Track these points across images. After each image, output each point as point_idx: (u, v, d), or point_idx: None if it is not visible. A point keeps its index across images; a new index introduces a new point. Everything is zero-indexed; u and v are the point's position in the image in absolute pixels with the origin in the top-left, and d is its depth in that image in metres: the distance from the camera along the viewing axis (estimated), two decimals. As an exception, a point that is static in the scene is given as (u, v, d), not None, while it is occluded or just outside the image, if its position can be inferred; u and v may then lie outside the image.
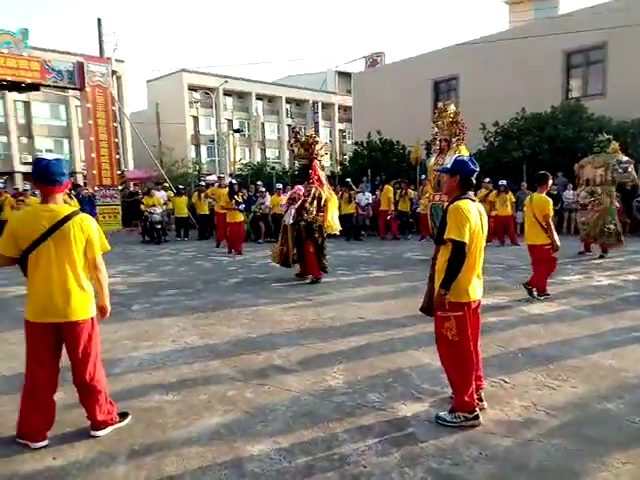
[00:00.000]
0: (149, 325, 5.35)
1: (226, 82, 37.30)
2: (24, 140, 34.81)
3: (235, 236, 11.07)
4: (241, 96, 44.70)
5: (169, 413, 3.25)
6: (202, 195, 13.83)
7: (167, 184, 17.01)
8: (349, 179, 14.19)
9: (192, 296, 6.74)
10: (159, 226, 13.04)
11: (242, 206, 11.35)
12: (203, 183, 16.09)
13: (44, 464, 2.66)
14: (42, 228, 2.70)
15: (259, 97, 45.47)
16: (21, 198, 11.64)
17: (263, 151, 45.67)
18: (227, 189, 11.47)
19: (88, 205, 13.70)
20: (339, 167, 22.06)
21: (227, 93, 42.10)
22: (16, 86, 15.64)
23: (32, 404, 2.83)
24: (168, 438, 2.93)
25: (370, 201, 14.12)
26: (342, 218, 9.16)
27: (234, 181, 12.16)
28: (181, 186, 15.07)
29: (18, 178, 32.35)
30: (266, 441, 2.87)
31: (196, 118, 42.09)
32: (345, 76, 44.23)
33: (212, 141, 37.01)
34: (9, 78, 14.62)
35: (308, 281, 7.57)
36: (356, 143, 20.24)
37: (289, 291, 7.03)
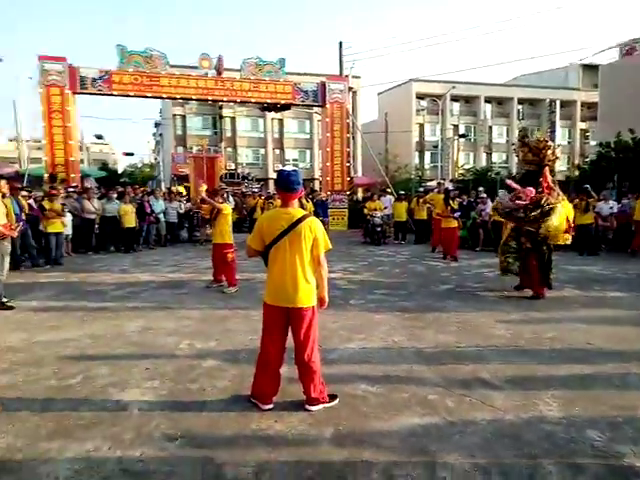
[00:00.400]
0: (363, 320, 5.76)
1: (453, 88, 36.89)
2: (277, 151, 40.99)
3: (449, 241, 10.96)
4: (468, 100, 43.63)
5: (372, 404, 3.49)
6: (420, 200, 14.06)
7: (389, 189, 17.81)
8: (587, 185, 12.45)
9: (404, 297, 6.97)
10: (379, 229, 13.87)
11: (457, 213, 11.14)
12: (422, 189, 16.31)
13: (267, 424, 3.18)
14: (281, 227, 3.24)
15: (488, 100, 43.64)
16: (271, 200, 13.77)
17: (489, 155, 43.67)
18: (443, 195, 11.45)
19: (321, 208, 15.32)
20: (577, 171, 19.53)
21: (454, 98, 41.61)
22: (273, 107, 18.64)
23: (263, 373, 3.41)
24: (369, 426, 3.16)
25: (615, 210, 12.14)
26: (577, 229, 8.19)
27: (450, 187, 12.01)
28: (402, 192, 15.57)
29: (271, 184, 38.18)
30: (462, 452, 2.84)
31: (422, 125, 42.81)
32: (591, 69, 38.89)
33: (436, 147, 37.12)
34: (268, 100, 17.63)
35: (528, 296, 7.00)
36: (600, 144, 17.60)
37: (504, 304, 6.63)
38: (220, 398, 3.56)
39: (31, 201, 9.62)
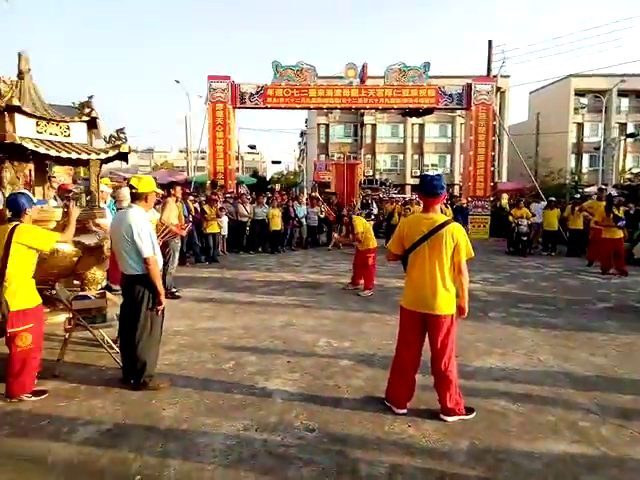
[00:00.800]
0: (504, 334, 5.45)
1: (622, 82, 32.59)
2: (415, 157, 40.54)
3: (608, 254, 9.73)
4: (640, 95, 38.19)
5: (513, 422, 3.30)
6: (576, 208, 12.71)
7: (540, 195, 16.42)
8: None
9: (552, 314, 6.41)
10: (525, 238, 12.87)
11: (622, 222, 9.83)
12: (578, 195, 14.71)
13: (401, 428, 3.20)
14: (422, 232, 3.24)
15: (667, 93, 37.66)
16: (408, 206, 13.70)
17: (666, 158, 37.68)
18: (605, 202, 10.18)
19: (460, 214, 14.76)
20: None
21: (622, 93, 36.74)
22: (415, 112, 18.48)
23: (398, 377, 3.45)
24: (508, 445, 3.00)
25: None
26: None
27: (614, 193, 10.64)
28: (552, 198, 14.21)
29: (407, 189, 37.90)
30: (618, 489, 2.56)
31: (580, 125, 38.67)
32: None
33: (597, 149, 33.12)
34: (411, 106, 17.52)
35: None
36: None
37: (680, 331, 5.71)
38: (355, 397, 3.69)
39: (197, 205, 10.96)
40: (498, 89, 19.39)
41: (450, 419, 3.29)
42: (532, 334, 5.43)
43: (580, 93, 37.45)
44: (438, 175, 3.39)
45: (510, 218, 13.50)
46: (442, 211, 9.84)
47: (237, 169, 22.20)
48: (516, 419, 3.35)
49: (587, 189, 26.06)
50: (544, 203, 14.01)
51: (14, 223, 3.48)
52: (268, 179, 49.96)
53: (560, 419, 3.35)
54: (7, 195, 4.41)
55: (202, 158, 23.75)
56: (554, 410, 3.49)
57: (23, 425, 3.15)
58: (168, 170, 36.38)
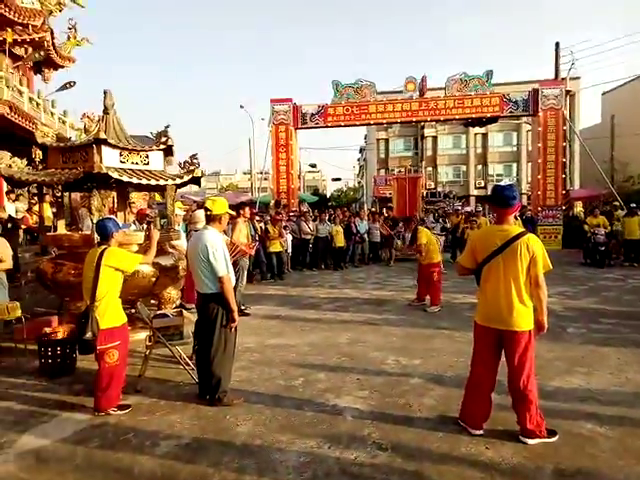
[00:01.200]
0: (585, 351, 5.11)
1: None
2: (479, 167, 39.38)
3: None
4: None
5: (602, 447, 3.08)
6: (662, 215, 11.77)
7: (618, 202, 15.38)
8: None
9: (639, 329, 5.94)
10: (603, 248, 12.07)
11: None
12: (663, 201, 13.61)
13: (478, 449, 3.08)
14: (495, 245, 3.14)
15: None
16: (474, 218, 13.30)
17: None
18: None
19: (529, 225, 14.10)
20: None
21: None
22: (478, 121, 18.04)
23: (473, 395, 3.32)
24: (598, 471, 2.80)
25: None
26: None
27: None
28: (633, 204, 13.23)
29: (472, 200, 36.79)
30: None
31: (662, 125, 35.85)
32: None
33: (682, 150, 30.55)
34: (473, 115, 17.13)
35: None
36: None
37: None
38: (427, 416, 3.60)
39: (262, 224, 11.29)
40: (567, 92, 18.48)
41: (531, 442, 3.12)
42: (617, 351, 5.06)
43: (659, 91, 34.85)
44: (510, 185, 3.28)
45: (586, 227, 12.75)
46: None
47: (299, 188, 22.64)
48: (605, 443, 3.13)
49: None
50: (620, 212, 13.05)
51: (103, 247, 3.77)
52: (328, 196, 50.47)
53: (656, 445, 3.09)
54: (96, 221, 4.79)
55: (265, 179, 24.45)
56: (648, 435, 3.22)
57: (110, 437, 3.35)
58: (234, 192, 37.80)
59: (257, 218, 11.25)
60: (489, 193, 3.43)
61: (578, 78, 28.98)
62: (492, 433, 3.27)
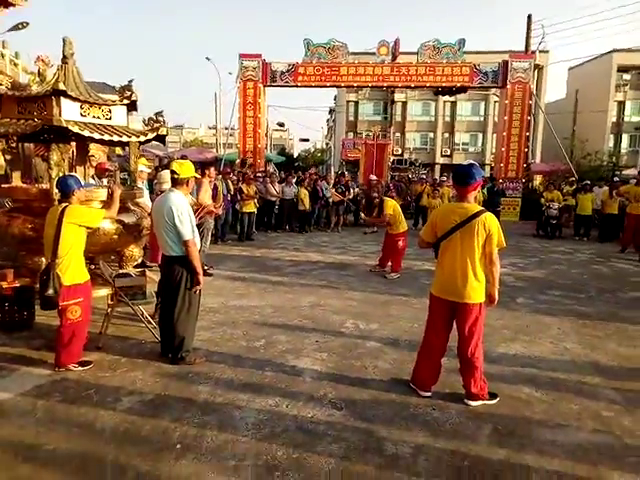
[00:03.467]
0: (530, 320, 5.47)
1: (670, 57, 30.96)
2: (446, 135, 39.72)
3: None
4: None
5: (536, 409, 3.38)
6: (614, 192, 12.36)
7: (574, 178, 15.97)
8: None
9: (581, 302, 6.37)
10: (554, 221, 12.79)
11: None
12: (617, 178, 14.26)
13: (425, 410, 3.32)
14: (454, 222, 3.29)
15: None
16: (437, 187, 13.57)
17: None
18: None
19: (497, 196, 14.28)
20: None
21: (669, 70, 34.87)
22: (449, 90, 18.08)
23: (424, 361, 3.55)
24: (531, 431, 3.09)
25: None
26: None
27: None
28: (587, 182, 13.79)
29: (437, 169, 37.31)
30: (639, 477, 2.63)
31: (622, 103, 36.98)
32: None
33: (638, 129, 31.80)
34: (444, 84, 17.14)
35: None
36: None
37: None
38: (381, 378, 3.82)
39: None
40: (536, 66, 18.69)
41: (474, 404, 3.39)
42: (560, 322, 5.44)
43: (623, 69, 35.74)
44: (471, 164, 3.40)
45: (542, 201, 13.29)
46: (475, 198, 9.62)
47: (265, 146, 22.29)
48: (539, 406, 3.43)
49: (625, 171, 25.16)
50: (606, 188, 13.37)
51: (64, 204, 3.69)
52: (295, 156, 49.91)
53: (584, 408, 3.41)
54: (55, 176, 4.65)
55: (231, 135, 23.87)
56: (578, 399, 3.55)
57: (72, 393, 3.41)
58: (198, 148, 36.74)
59: (233, 178, 11.16)
60: (454, 163, 3.54)
61: (547, 52, 29.29)
62: (440, 395, 3.52)
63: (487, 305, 3.42)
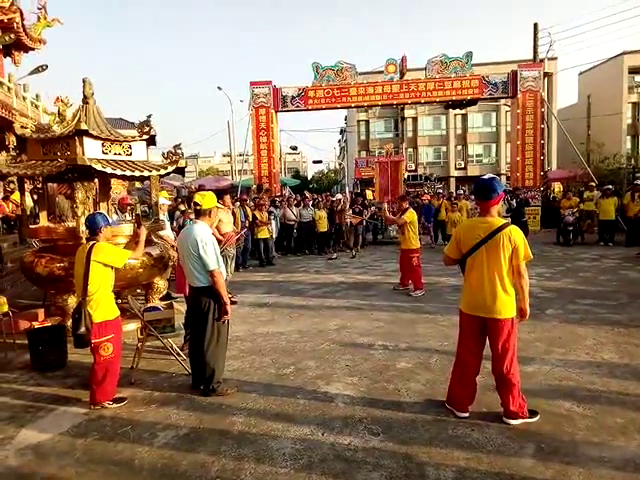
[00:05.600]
0: (563, 332, 5.34)
1: (681, 55, 30.57)
2: (459, 148, 39.68)
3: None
4: None
5: (579, 425, 3.27)
6: (636, 195, 12.12)
7: (593, 183, 15.72)
8: None
9: (614, 309, 6.20)
10: (571, 228, 12.65)
11: None
12: (638, 182, 13.99)
13: (464, 431, 3.24)
14: (478, 237, 3.26)
15: None
16: (455, 202, 13.49)
17: None
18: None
19: (521, 207, 13.93)
20: None
21: (682, 68, 34.37)
22: (459, 103, 18.13)
23: (459, 380, 3.48)
24: (576, 448, 2.98)
25: None
26: None
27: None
28: (609, 186, 13.56)
29: (452, 182, 37.17)
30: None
31: (636, 104, 36.56)
32: None
33: (655, 129, 31.30)
34: (454, 97, 17.21)
35: None
36: None
37: None
38: (415, 400, 3.75)
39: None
40: (546, 74, 18.63)
41: (514, 422, 3.30)
42: (594, 332, 5.30)
43: (635, 71, 35.38)
44: (492, 177, 3.38)
45: (561, 210, 13.15)
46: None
47: (279, 170, 22.53)
48: (582, 422, 3.32)
49: (646, 173, 24.68)
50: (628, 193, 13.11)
51: (92, 242, 3.78)
52: (309, 178, 50.30)
53: (630, 421, 3.29)
54: (80, 214, 4.76)
55: (245, 161, 24.23)
56: (622, 412, 3.43)
57: (108, 431, 3.42)
58: (214, 176, 37.36)
59: (251, 204, 11.32)
60: (471, 179, 3.53)
61: (556, 59, 29.19)
62: (477, 415, 3.43)
63: (519, 320, 3.35)
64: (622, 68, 35.06)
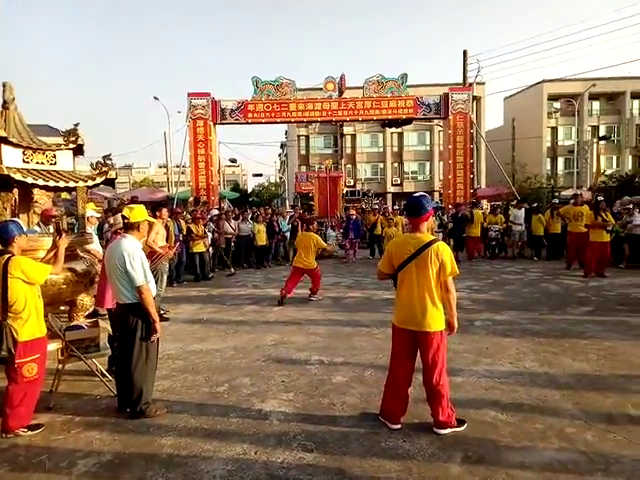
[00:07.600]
0: (490, 343, 5.59)
1: (594, 86, 33.51)
2: (395, 165, 41.04)
3: (597, 257, 10.05)
4: (611, 97, 39.41)
5: (502, 432, 3.42)
6: (555, 213, 13.06)
7: (517, 201, 16.78)
8: None
9: (535, 320, 6.59)
10: (494, 242, 13.63)
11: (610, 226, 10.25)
12: (556, 200, 15.11)
13: (396, 443, 3.29)
14: (409, 252, 3.36)
15: (635, 95, 38.87)
16: (391, 217, 13.85)
17: (637, 158, 38.79)
18: (586, 206, 10.65)
19: (460, 223, 14.50)
20: None
21: (593, 97, 37.77)
22: (395, 122, 18.82)
23: (392, 393, 3.54)
24: (500, 455, 3.11)
25: None
26: None
27: (600, 197, 11.05)
28: (535, 204, 14.54)
29: (389, 198, 38.28)
30: (605, 493, 2.69)
31: (554, 129, 39.74)
32: None
33: (571, 152, 34.07)
34: (390, 117, 17.86)
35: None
36: None
37: (657, 332, 5.94)
38: (350, 414, 3.77)
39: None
40: (474, 97, 19.80)
41: (443, 432, 3.39)
42: (517, 342, 5.59)
43: (553, 98, 38.43)
44: (422, 195, 3.51)
45: (485, 224, 13.85)
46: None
47: (219, 183, 22.21)
48: (506, 429, 3.47)
49: (564, 192, 26.67)
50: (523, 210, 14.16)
51: (6, 256, 3.48)
52: (249, 192, 49.94)
53: (548, 427, 3.48)
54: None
55: (182, 172, 23.67)
56: (541, 418, 3.62)
57: (22, 461, 3.15)
58: (149, 187, 36.13)
59: (188, 217, 11.01)
60: (407, 194, 3.65)
61: (483, 83, 31.11)
62: (409, 426, 3.50)
63: (448, 333, 3.48)
64: (542, 95, 38.05)
